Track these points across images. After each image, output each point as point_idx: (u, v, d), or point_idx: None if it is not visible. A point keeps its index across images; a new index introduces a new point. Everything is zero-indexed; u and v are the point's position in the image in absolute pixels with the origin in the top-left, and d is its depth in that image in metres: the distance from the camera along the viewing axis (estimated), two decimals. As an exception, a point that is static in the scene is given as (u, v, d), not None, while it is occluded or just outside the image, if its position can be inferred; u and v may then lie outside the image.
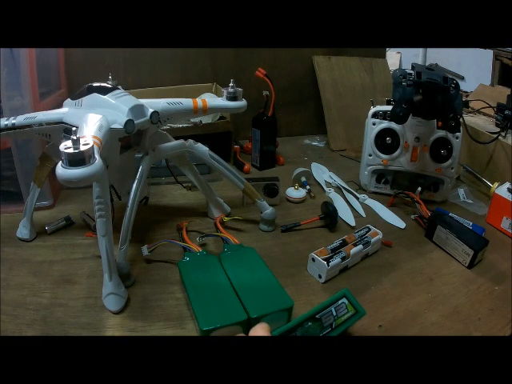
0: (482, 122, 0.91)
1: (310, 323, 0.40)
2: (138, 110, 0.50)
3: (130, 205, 0.51)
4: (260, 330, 0.37)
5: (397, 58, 2.72)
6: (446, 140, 0.69)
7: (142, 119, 0.51)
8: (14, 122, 0.49)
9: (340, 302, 0.43)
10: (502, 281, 0.52)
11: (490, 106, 0.96)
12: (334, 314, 0.42)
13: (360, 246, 0.54)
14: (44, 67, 0.70)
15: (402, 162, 0.72)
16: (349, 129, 1.01)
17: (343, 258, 0.52)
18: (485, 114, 0.97)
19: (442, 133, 0.68)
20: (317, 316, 0.41)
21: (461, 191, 0.75)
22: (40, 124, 0.50)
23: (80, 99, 0.51)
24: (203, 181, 0.64)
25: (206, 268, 0.49)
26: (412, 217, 0.68)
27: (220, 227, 0.57)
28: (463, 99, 1.03)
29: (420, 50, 2.36)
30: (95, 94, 0.50)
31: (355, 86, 1.05)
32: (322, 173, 0.84)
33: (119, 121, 0.47)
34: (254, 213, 0.65)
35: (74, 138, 0.35)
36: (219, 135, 0.83)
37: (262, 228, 0.63)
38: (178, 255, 0.55)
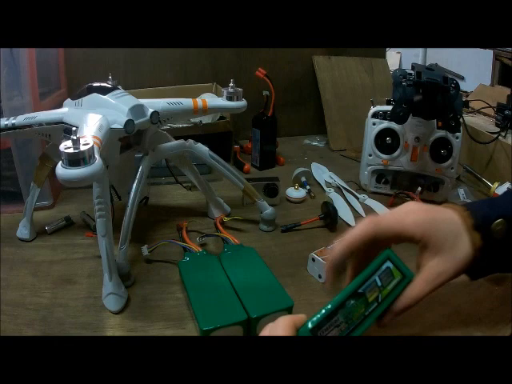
0: (482, 122, 0.91)
1: (352, 301, 0.34)
2: (138, 110, 0.50)
3: (129, 205, 0.51)
4: (280, 330, 0.33)
5: (397, 58, 2.72)
6: (446, 140, 0.69)
7: (142, 119, 0.51)
8: (14, 121, 0.49)
9: (384, 266, 0.37)
10: (502, 281, 0.52)
11: (490, 106, 0.96)
12: (379, 283, 0.36)
13: (360, 246, 0.54)
14: (44, 67, 0.70)
15: (402, 161, 0.72)
16: (349, 129, 1.01)
17: (343, 258, 0.52)
18: (485, 114, 0.97)
19: (442, 133, 0.68)
20: (359, 290, 0.35)
21: (461, 191, 0.75)
22: (40, 124, 0.50)
23: (80, 99, 0.51)
24: (203, 181, 0.64)
25: (206, 268, 0.49)
26: (412, 217, 0.67)
27: (220, 227, 0.57)
28: (463, 99, 1.03)
29: (420, 50, 2.36)
30: (95, 94, 0.50)
31: (355, 86, 1.05)
32: (321, 173, 0.84)
33: (119, 121, 0.47)
34: (254, 213, 0.65)
35: (74, 137, 0.35)
36: (219, 135, 0.83)
37: (261, 228, 0.63)
38: (177, 255, 0.55)
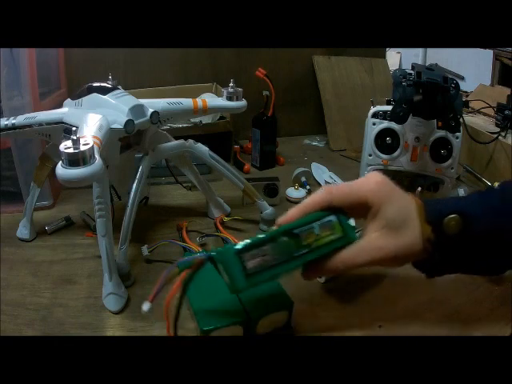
0: (482, 122, 0.91)
1: (285, 238, 0.35)
2: (138, 110, 0.50)
3: (129, 205, 0.51)
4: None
5: (397, 58, 2.72)
6: (446, 140, 0.69)
7: (142, 119, 0.51)
8: (14, 121, 0.49)
9: (327, 219, 0.37)
10: (502, 281, 0.52)
11: (490, 106, 0.96)
12: (317, 232, 0.36)
13: (360, 246, 0.54)
14: (44, 67, 0.70)
15: (402, 161, 0.72)
16: (349, 129, 1.01)
17: (343, 258, 0.52)
18: (485, 114, 0.97)
19: (442, 133, 0.68)
20: (295, 231, 0.35)
21: (461, 191, 0.75)
22: (40, 124, 0.50)
23: (80, 99, 0.51)
24: (203, 181, 0.63)
25: (205, 268, 0.48)
26: (412, 217, 0.67)
27: (220, 227, 0.57)
28: (463, 99, 1.03)
29: (420, 50, 2.36)
30: (95, 94, 0.50)
31: (355, 86, 1.05)
32: (322, 173, 0.84)
33: (119, 121, 0.47)
34: (254, 213, 0.65)
35: (74, 137, 0.35)
36: (219, 135, 0.82)
37: (262, 228, 0.63)
38: (178, 255, 0.55)
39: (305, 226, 0.36)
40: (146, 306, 0.34)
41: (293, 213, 0.38)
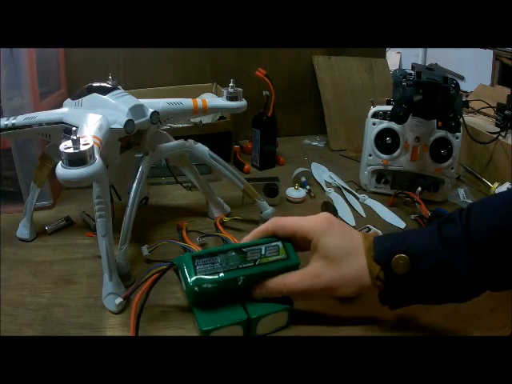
0: (482, 122, 0.91)
1: (234, 253, 0.41)
2: (137, 110, 0.50)
3: (129, 205, 0.51)
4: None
5: (397, 58, 2.73)
6: (446, 140, 0.69)
7: (142, 119, 0.51)
8: (14, 121, 0.49)
9: (274, 243, 0.43)
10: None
11: (490, 106, 0.96)
12: (263, 252, 0.42)
13: (360, 246, 0.54)
14: (44, 67, 0.70)
15: (402, 161, 0.72)
16: (349, 129, 1.01)
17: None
18: (485, 114, 0.97)
19: (442, 133, 0.68)
20: (244, 249, 0.42)
21: (461, 191, 0.75)
22: (40, 124, 0.50)
23: (80, 99, 0.51)
24: (203, 181, 0.63)
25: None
26: (412, 217, 0.68)
27: (220, 227, 0.57)
28: (463, 99, 1.03)
29: (420, 50, 2.36)
30: (95, 94, 0.50)
31: (355, 86, 1.05)
32: (322, 173, 0.84)
33: (119, 121, 0.47)
34: (254, 213, 0.65)
35: (74, 137, 0.35)
36: (219, 135, 0.83)
37: (262, 228, 0.63)
38: (178, 255, 0.54)
39: (254, 247, 0.42)
40: (117, 300, 0.43)
41: (246, 238, 0.45)
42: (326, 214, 0.45)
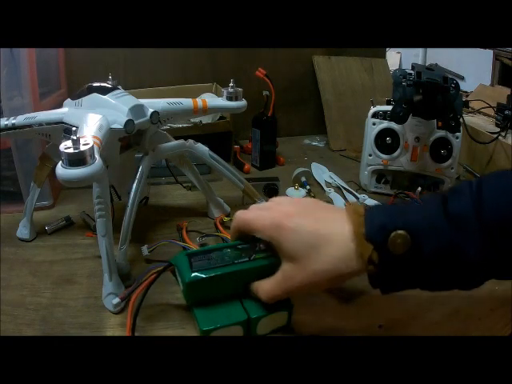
0: (482, 122, 0.91)
1: (228, 250, 0.42)
2: (138, 109, 0.50)
3: (129, 205, 0.51)
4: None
5: (397, 58, 2.73)
6: (446, 140, 0.69)
7: (142, 119, 0.51)
8: (14, 121, 0.49)
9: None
10: (502, 281, 0.52)
11: (490, 106, 0.96)
12: (257, 248, 0.42)
13: (360, 246, 0.54)
14: (44, 67, 0.70)
15: (402, 161, 0.72)
16: (349, 129, 1.01)
17: (343, 258, 0.52)
18: (485, 114, 0.97)
19: (442, 133, 0.68)
20: (238, 246, 0.42)
21: (461, 191, 0.75)
22: (40, 124, 0.50)
23: (80, 99, 0.51)
24: (203, 181, 0.63)
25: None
26: (412, 217, 0.67)
27: (220, 227, 0.57)
28: (463, 99, 1.03)
29: (420, 50, 2.36)
30: (95, 94, 0.50)
31: (355, 86, 1.05)
32: (322, 173, 0.84)
33: (119, 121, 0.47)
34: (254, 213, 0.65)
35: (74, 137, 0.35)
36: (219, 135, 0.82)
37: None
38: (177, 255, 0.55)
39: (247, 245, 0.42)
40: (114, 301, 0.43)
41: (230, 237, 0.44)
42: (283, 206, 0.40)
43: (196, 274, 0.39)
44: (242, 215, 0.41)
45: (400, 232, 0.32)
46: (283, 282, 0.38)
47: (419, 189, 0.69)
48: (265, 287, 0.40)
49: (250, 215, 0.41)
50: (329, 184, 0.80)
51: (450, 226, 0.32)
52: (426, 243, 0.32)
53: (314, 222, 0.37)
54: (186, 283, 0.39)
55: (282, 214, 0.38)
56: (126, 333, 0.39)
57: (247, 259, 0.41)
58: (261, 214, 0.40)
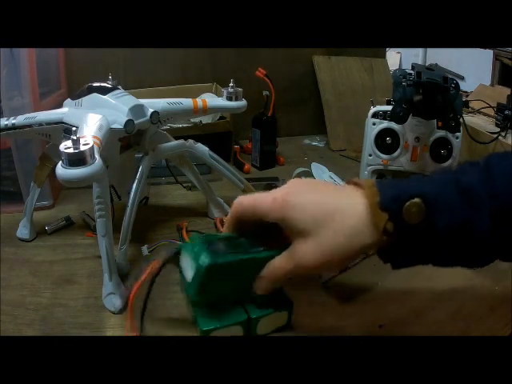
0: (482, 122, 0.91)
1: (242, 239, 0.39)
2: (138, 109, 0.50)
3: (129, 205, 0.51)
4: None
5: (397, 58, 2.73)
6: (446, 140, 0.69)
7: (142, 119, 0.51)
8: (14, 122, 0.49)
9: None
10: (502, 280, 0.52)
11: (490, 106, 0.96)
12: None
13: (360, 246, 0.54)
14: (44, 67, 0.70)
15: (402, 161, 0.72)
16: (349, 129, 1.01)
17: (343, 258, 0.52)
18: (485, 114, 0.97)
19: (442, 133, 0.68)
20: (247, 237, 0.40)
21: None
22: (40, 124, 0.50)
23: (80, 99, 0.51)
24: (203, 181, 0.63)
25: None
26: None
27: (220, 227, 0.57)
28: (463, 99, 1.03)
29: (420, 50, 2.36)
30: (95, 94, 0.50)
31: (355, 86, 1.05)
32: (322, 173, 0.84)
33: (119, 121, 0.47)
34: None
35: (74, 137, 0.35)
36: (219, 135, 0.83)
37: (262, 228, 0.63)
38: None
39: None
40: (117, 303, 0.44)
41: (226, 228, 0.41)
42: (287, 187, 0.38)
43: (209, 257, 0.36)
44: (243, 200, 0.38)
45: (415, 201, 0.31)
46: (295, 256, 0.36)
47: (419, 189, 0.69)
48: (275, 263, 0.37)
49: (252, 198, 0.38)
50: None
51: (462, 201, 0.31)
52: (439, 214, 0.31)
53: (322, 196, 0.36)
54: (203, 267, 0.36)
55: (287, 192, 0.37)
56: (125, 330, 0.38)
57: (261, 249, 0.39)
58: (264, 196, 0.37)
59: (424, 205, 0.31)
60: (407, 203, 0.31)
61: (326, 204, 0.35)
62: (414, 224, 0.31)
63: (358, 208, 0.33)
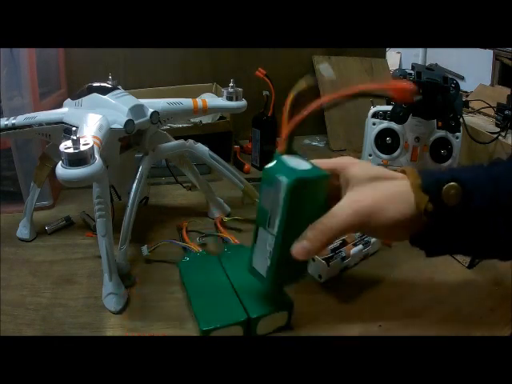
0: (482, 122, 0.91)
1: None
2: (138, 109, 0.50)
3: (129, 205, 0.51)
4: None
5: (397, 58, 2.73)
6: (446, 140, 0.69)
7: (142, 119, 0.51)
8: (14, 121, 0.49)
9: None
10: (502, 281, 0.52)
11: (490, 106, 0.96)
12: None
13: (360, 246, 0.54)
14: (44, 67, 0.70)
15: (402, 162, 0.72)
16: (349, 129, 1.01)
17: (343, 258, 0.52)
18: (485, 114, 0.97)
19: (442, 133, 0.68)
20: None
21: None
22: (40, 124, 0.50)
23: (80, 99, 0.51)
24: (203, 181, 0.63)
25: (206, 268, 0.49)
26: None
27: (220, 227, 0.57)
28: (463, 99, 1.03)
29: (420, 50, 2.36)
30: (95, 94, 0.50)
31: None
32: (321, 173, 0.84)
33: (119, 121, 0.47)
34: (254, 213, 0.65)
35: (74, 137, 0.35)
36: (219, 135, 0.83)
37: (262, 228, 0.63)
38: (178, 255, 0.55)
39: None
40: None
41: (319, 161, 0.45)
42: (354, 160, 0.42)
43: (299, 174, 0.37)
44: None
45: (453, 184, 0.34)
46: (352, 203, 0.37)
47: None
48: (331, 213, 0.37)
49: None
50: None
51: (493, 187, 0.34)
52: (474, 195, 0.34)
53: (375, 168, 0.40)
54: (293, 179, 0.36)
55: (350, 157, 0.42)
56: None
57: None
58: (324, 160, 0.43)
59: (461, 188, 0.34)
60: (446, 186, 0.34)
61: (381, 169, 0.39)
62: (451, 206, 0.34)
63: (403, 188, 0.36)
